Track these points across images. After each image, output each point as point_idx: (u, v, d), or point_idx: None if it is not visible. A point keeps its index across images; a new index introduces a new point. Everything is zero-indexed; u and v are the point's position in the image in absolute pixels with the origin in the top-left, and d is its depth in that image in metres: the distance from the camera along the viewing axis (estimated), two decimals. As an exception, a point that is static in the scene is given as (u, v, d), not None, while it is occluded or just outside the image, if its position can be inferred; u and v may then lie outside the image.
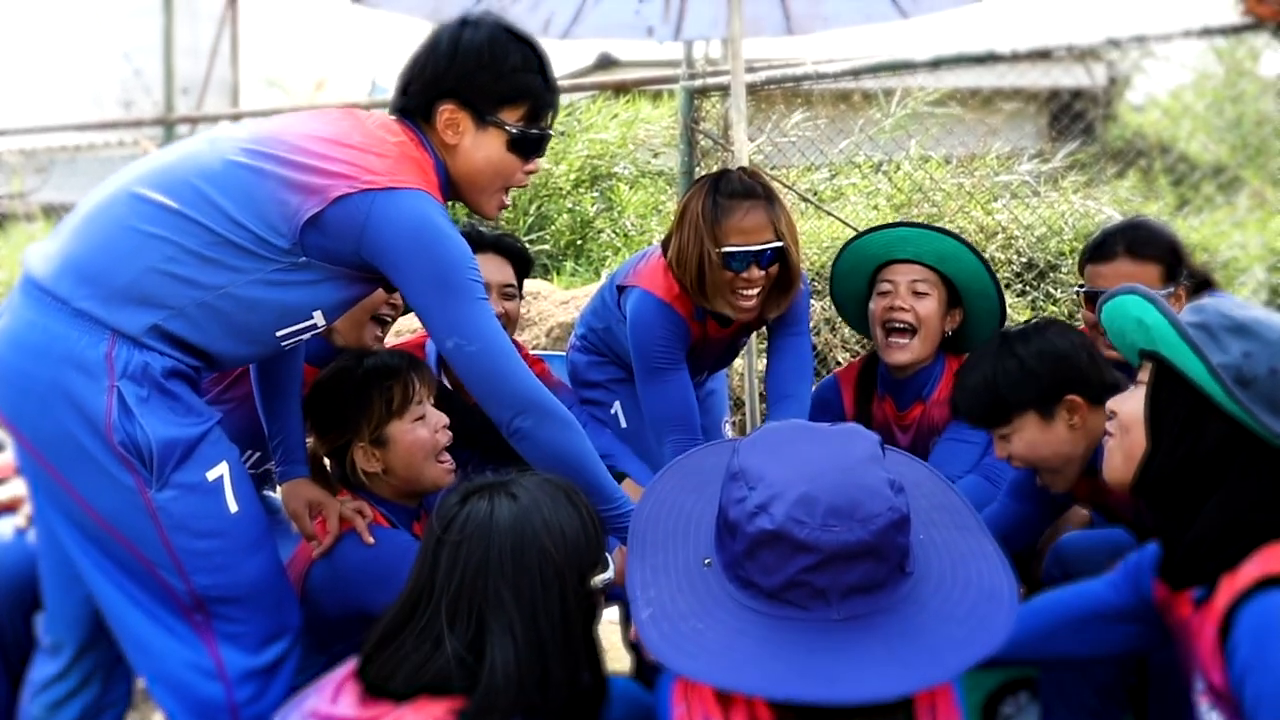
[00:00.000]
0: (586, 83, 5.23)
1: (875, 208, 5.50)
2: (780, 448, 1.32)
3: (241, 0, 7.44)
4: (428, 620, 1.37)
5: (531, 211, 6.93)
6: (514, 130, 1.80)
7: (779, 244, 2.24)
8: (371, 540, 1.86)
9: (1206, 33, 3.63)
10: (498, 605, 1.36)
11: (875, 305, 2.42)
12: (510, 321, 2.54)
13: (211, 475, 1.65)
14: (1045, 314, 5.66)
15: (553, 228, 6.92)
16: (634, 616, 1.30)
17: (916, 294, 2.35)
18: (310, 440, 2.09)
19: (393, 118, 1.82)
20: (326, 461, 2.12)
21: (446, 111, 1.77)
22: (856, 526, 1.21)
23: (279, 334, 1.72)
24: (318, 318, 1.75)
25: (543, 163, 8.22)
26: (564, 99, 7.31)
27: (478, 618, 1.36)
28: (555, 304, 5.26)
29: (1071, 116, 5.72)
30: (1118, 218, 5.98)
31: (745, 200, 2.23)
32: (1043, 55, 3.89)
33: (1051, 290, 5.81)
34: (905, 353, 2.35)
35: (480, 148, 1.80)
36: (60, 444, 1.58)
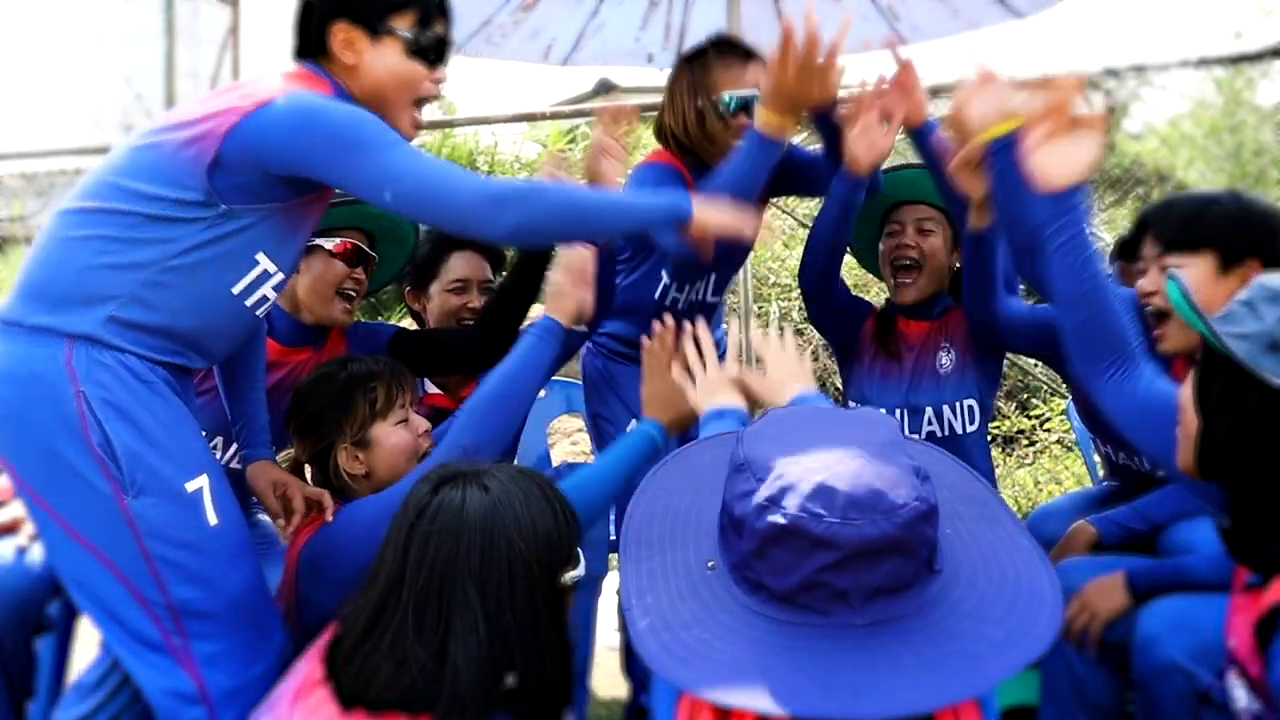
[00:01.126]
0: (587, 108, 5.25)
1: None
2: (790, 435, 1.20)
3: (243, 26, 7.48)
4: (399, 620, 1.33)
5: (531, 236, 6.93)
6: (408, 35, 1.79)
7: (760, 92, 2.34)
8: (330, 518, 1.85)
9: (1204, 63, 3.65)
10: (463, 602, 1.32)
11: (884, 245, 2.48)
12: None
13: (191, 486, 1.63)
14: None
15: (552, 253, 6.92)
16: (630, 626, 1.19)
17: (922, 232, 2.42)
18: (292, 448, 2.08)
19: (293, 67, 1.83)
20: (308, 470, 2.11)
21: (339, 32, 1.77)
22: (880, 519, 1.09)
23: (235, 291, 1.71)
24: (264, 262, 1.72)
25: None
26: (564, 125, 7.36)
27: (445, 615, 1.32)
28: (554, 329, 5.27)
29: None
30: (1109, 240, 6.01)
31: (729, 55, 2.37)
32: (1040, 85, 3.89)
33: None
34: (913, 291, 2.42)
35: (379, 60, 1.79)
36: (41, 462, 1.58)
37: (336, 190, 1.86)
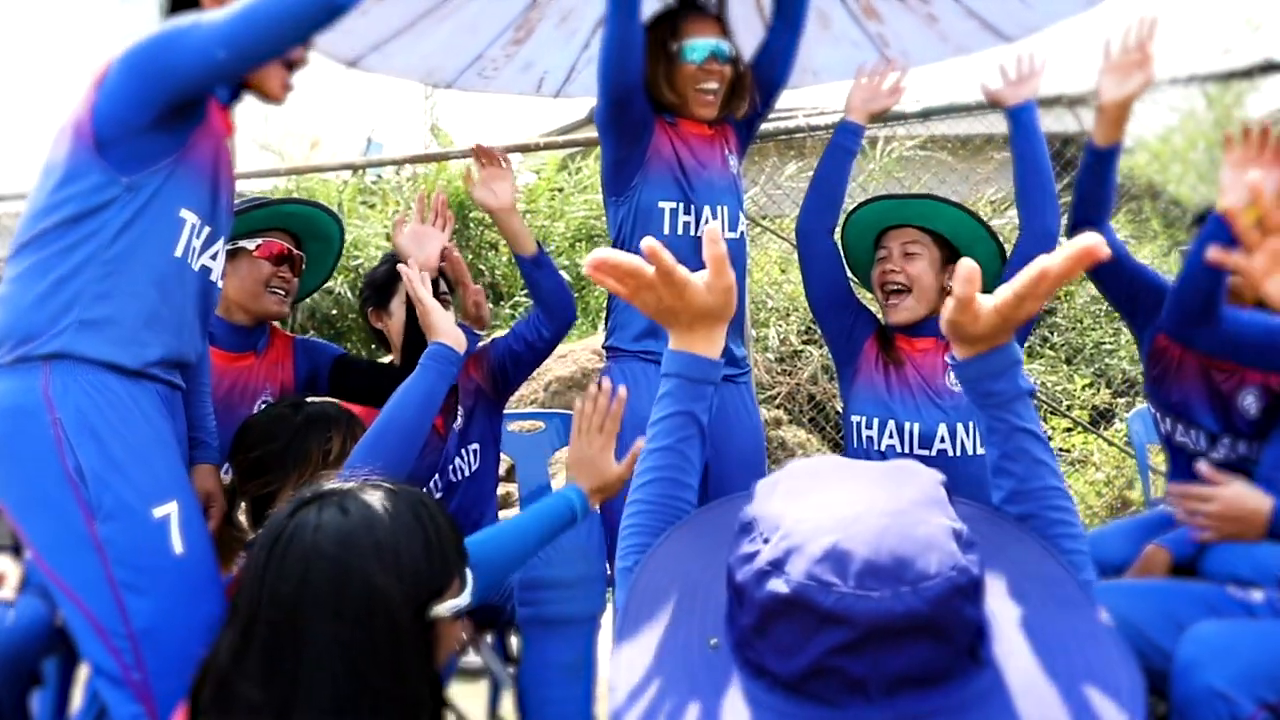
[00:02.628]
0: (580, 138, 5.26)
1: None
2: (806, 488, 1.01)
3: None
4: (253, 664, 1.19)
5: (528, 266, 6.94)
6: None
7: (729, 45, 2.48)
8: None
9: (1194, 79, 3.66)
10: (315, 645, 1.17)
11: (875, 271, 2.52)
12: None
13: (158, 512, 1.63)
14: (1042, 358, 5.67)
15: (549, 282, 6.93)
16: (611, 716, 1.03)
17: (908, 255, 2.45)
18: (230, 479, 2.08)
19: None
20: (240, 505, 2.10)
21: None
22: (905, 591, 0.89)
23: (178, 254, 1.74)
24: (189, 217, 1.75)
25: (541, 220, 8.18)
26: (559, 154, 7.39)
27: (296, 657, 1.17)
28: (552, 358, 5.25)
29: (1063, 164, 5.76)
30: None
31: (697, 10, 2.53)
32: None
33: (1048, 335, 5.82)
34: (903, 312, 2.45)
35: None
36: (24, 494, 1.59)
37: (221, 130, 1.86)
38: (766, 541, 0.96)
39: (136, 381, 1.69)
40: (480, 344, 2.66)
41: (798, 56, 2.70)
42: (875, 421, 2.41)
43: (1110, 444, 4.79)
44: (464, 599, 1.27)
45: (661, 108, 2.48)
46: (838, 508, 0.95)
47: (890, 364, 2.46)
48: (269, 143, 8.27)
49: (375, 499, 1.27)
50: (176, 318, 1.77)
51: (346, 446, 1.92)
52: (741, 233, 2.53)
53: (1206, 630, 1.75)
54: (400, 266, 2.15)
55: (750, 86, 2.56)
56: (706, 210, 2.44)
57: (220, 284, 1.90)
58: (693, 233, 2.42)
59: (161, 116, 1.68)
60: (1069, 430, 5.02)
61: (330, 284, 7.00)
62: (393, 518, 1.25)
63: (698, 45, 2.43)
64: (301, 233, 2.50)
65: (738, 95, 2.53)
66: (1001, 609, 1.02)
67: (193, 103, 1.72)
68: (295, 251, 2.45)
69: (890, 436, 2.38)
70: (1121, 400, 5.24)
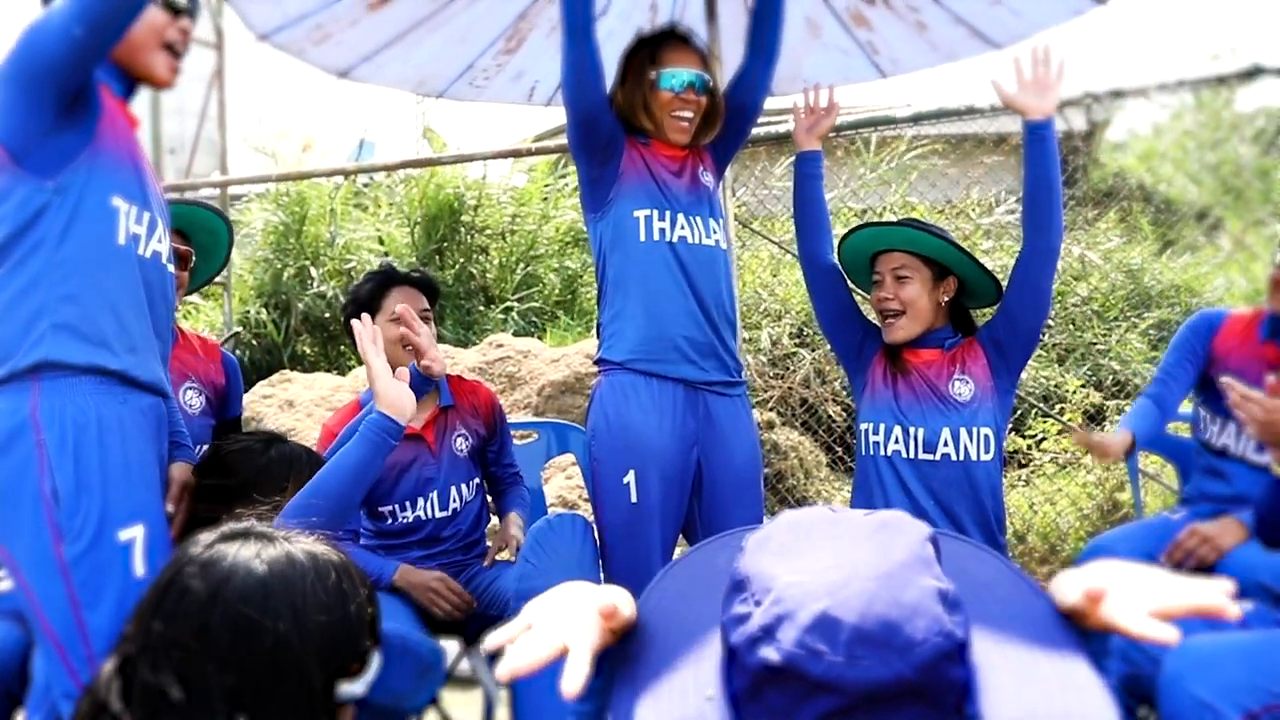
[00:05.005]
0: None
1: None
2: (797, 546, 1.03)
3: (229, 64, 7.52)
4: (138, 693, 1.12)
5: (519, 271, 6.97)
6: None
7: (707, 76, 2.54)
8: None
9: (1182, 85, 3.68)
10: (204, 690, 1.09)
11: (872, 295, 2.60)
12: (431, 341, 2.53)
13: (124, 535, 1.64)
14: (1034, 358, 5.70)
15: (541, 286, 6.96)
16: None
17: (899, 279, 2.50)
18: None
19: None
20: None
21: None
22: (893, 658, 0.91)
23: (120, 244, 1.74)
24: (119, 203, 1.75)
25: (531, 223, 8.15)
26: (549, 158, 7.40)
27: (187, 698, 1.08)
28: (546, 362, 5.26)
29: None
30: (1097, 260, 6.05)
31: (678, 40, 2.57)
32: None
33: (1041, 335, 5.84)
34: (899, 331, 2.51)
35: None
36: (7, 519, 1.60)
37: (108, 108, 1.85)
38: (758, 604, 0.97)
39: (125, 400, 1.69)
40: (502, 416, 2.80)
41: (790, 64, 2.72)
42: (882, 427, 2.47)
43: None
44: (358, 687, 1.19)
45: (635, 130, 2.52)
46: (827, 571, 0.97)
47: (897, 373, 2.51)
48: (262, 145, 8.27)
49: (304, 554, 1.20)
50: (147, 308, 1.77)
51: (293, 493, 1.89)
52: (718, 240, 2.56)
53: (1192, 643, 1.78)
54: (354, 323, 2.12)
55: (723, 115, 2.60)
56: (681, 217, 2.48)
57: (172, 269, 1.90)
58: (668, 238, 2.46)
59: (59, 113, 1.68)
60: (1061, 432, 5.03)
61: (323, 289, 7.01)
62: (319, 576, 1.19)
63: (678, 74, 2.48)
64: (186, 229, 2.56)
65: (710, 124, 2.59)
66: (987, 656, 1.03)
67: (81, 91, 1.71)
68: (180, 247, 2.49)
69: (896, 442, 2.44)
70: (1112, 404, 5.26)
